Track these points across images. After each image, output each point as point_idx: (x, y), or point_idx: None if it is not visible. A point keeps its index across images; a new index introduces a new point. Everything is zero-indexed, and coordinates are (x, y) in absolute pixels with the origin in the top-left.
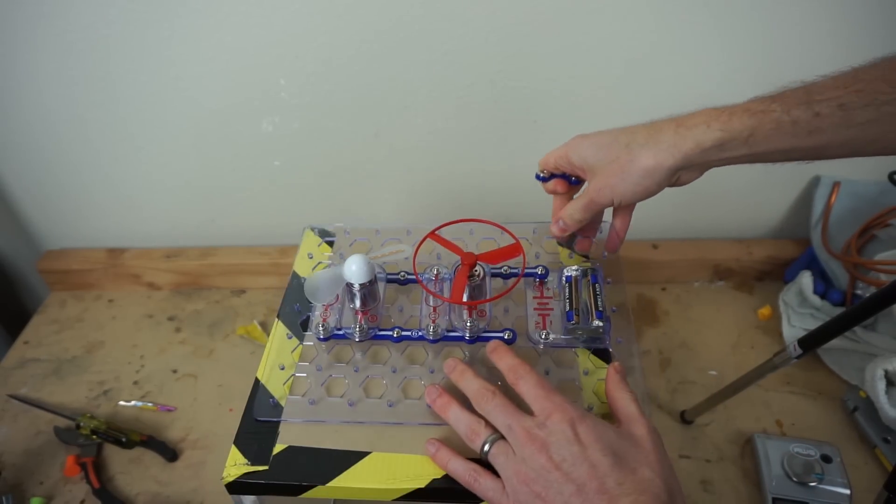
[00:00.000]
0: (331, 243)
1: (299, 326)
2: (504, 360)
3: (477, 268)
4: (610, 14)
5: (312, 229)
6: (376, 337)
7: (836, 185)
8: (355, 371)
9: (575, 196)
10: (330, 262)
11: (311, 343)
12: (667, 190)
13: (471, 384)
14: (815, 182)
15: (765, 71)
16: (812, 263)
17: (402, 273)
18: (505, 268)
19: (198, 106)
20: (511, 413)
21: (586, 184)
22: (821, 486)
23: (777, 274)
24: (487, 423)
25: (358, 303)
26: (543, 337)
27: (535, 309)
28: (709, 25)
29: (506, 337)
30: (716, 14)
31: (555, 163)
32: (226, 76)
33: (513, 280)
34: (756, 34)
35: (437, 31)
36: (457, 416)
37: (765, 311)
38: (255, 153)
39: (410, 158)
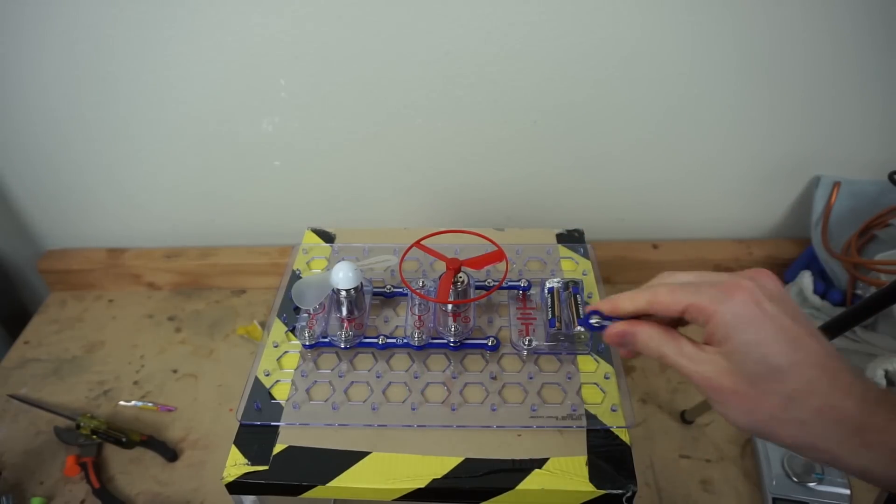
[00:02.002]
0: (330, 243)
1: (286, 334)
2: None
3: (461, 275)
4: (609, 15)
5: (312, 230)
6: (361, 344)
7: (836, 185)
8: (340, 377)
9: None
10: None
11: (297, 350)
12: (667, 190)
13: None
14: (815, 182)
15: (762, 74)
16: (812, 263)
17: (389, 286)
18: (489, 280)
19: (198, 106)
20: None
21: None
22: (821, 486)
23: (777, 274)
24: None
25: (344, 311)
26: (527, 343)
27: (518, 318)
28: (705, 26)
29: (489, 344)
30: (714, 13)
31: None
32: (226, 76)
33: (495, 286)
34: (753, 38)
35: (437, 31)
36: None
37: None
38: (255, 153)
39: (410, 158)
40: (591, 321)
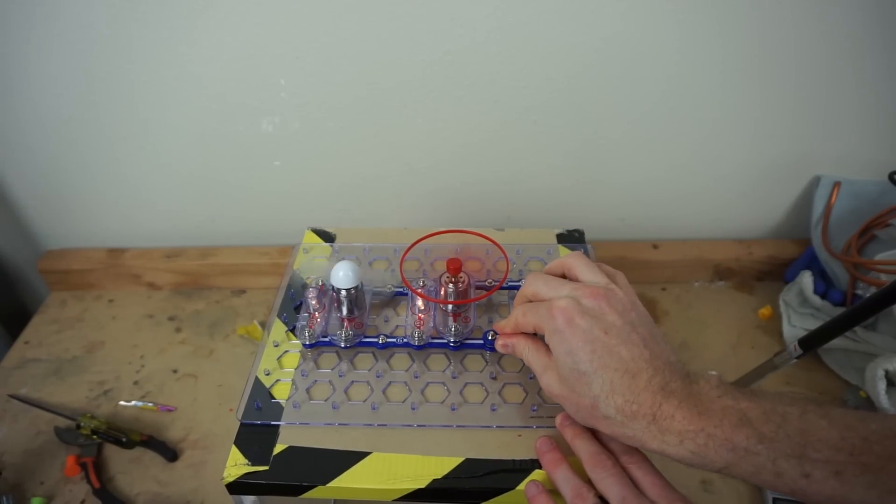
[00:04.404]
0: (330, 243)
1: (286, 333)
2: (619, 444)
3: (462, 274)
4: (610, 14)
5: (312, 230)
6: (361, 344)
7: (836, 185)
8: (340, 376)
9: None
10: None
11: (298, 350)
12: (667, 190)
13: (587, 446)
14: (815, 182)
15: (762, 72)
16: (812, 263)
17: (389, 286)
18: (489, 280)
19: (198, 106)
20: (627, 486)
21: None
22: None
23: (777, 274)
24: (595, 492)
25: (344, 310)
26: None
27: None
28: (706, 26)
29: (490, 337)
30: (715, 12)
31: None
32: (226, 76)
33: (495, 286)
34: (752, 36)
35: (437, 31)
36: (565, 476)
37: (765, 311)
38: (255, 153)
39: (410, 158)
40: (489, 338)
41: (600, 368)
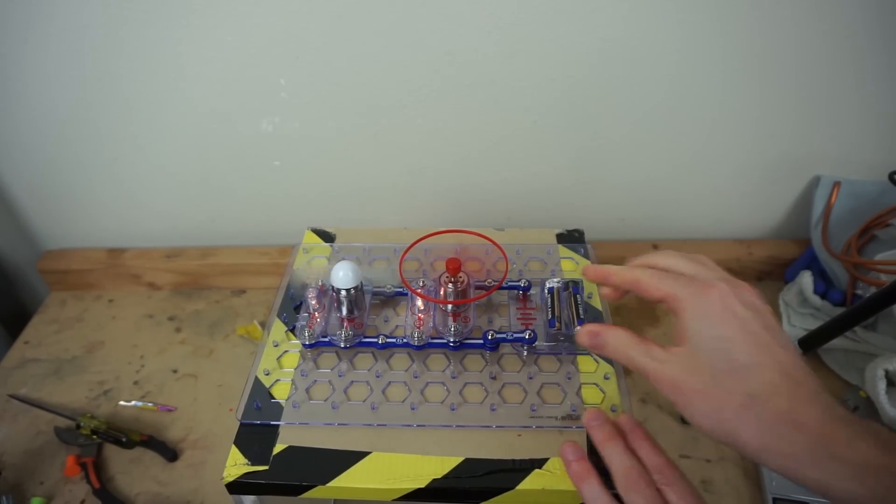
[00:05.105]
0: (330, 243)
1: (286, 333)
2: (652, 456)
3: (461, 274)
4: (610, 14)
5: (312, 230)
6: (361, 344)
7: (836, 185)
8: (340, 376)
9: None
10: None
11: (297, 350)
12: (667, 190)
13: (621, 459)
14: (815, 182)
15: (762, 72)
16: (812, 263)
17: (389, 286)
18: (489, 280)
19: (198, 106)
20: None
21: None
22: None
23: (777, 274)
24: None
25: (344, 310)
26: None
27: (518, 319)
28: (706, 25)
29: (489, 337)
30: (715, 12)
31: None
32: (226, 76)
33: (495, 286)
34: (752, 36)
35: (437, 31)
36: (593, 493)
37: None
38: (255, 153)
39: (410, 158)
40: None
41: (762, 365)
